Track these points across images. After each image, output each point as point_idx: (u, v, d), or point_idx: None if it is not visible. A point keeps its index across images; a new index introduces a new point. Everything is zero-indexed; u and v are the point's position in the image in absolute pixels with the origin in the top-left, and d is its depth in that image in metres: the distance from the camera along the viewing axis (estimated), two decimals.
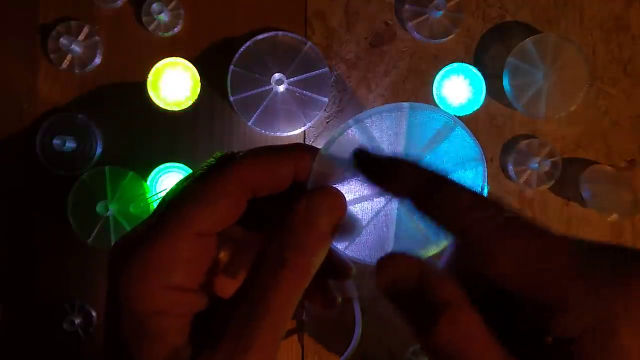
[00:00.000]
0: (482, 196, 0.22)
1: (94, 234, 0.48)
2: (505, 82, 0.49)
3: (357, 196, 0.28)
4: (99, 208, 0.47)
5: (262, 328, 0.22)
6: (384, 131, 0.28)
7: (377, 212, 0.28)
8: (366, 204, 0.28)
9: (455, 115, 0.28)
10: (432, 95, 0.49)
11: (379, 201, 0.28)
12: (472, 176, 0.28)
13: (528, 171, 0.49)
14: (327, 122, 0.50)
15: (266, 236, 0.25)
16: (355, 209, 0.28)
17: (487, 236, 0.21)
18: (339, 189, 0.26)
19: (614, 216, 0.49)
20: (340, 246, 0.29)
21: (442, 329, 0.20)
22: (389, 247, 0.28)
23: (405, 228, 0.28)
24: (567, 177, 0.50)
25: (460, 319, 0.20)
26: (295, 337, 0.49)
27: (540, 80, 0.49)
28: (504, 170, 0.50)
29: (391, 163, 0.24)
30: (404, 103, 0.28)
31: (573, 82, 0.49)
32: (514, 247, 0.21)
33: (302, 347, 0.49)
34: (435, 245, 0.28)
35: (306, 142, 0.50)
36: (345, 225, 0.27)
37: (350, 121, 0.27)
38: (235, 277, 0.28)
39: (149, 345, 0.23)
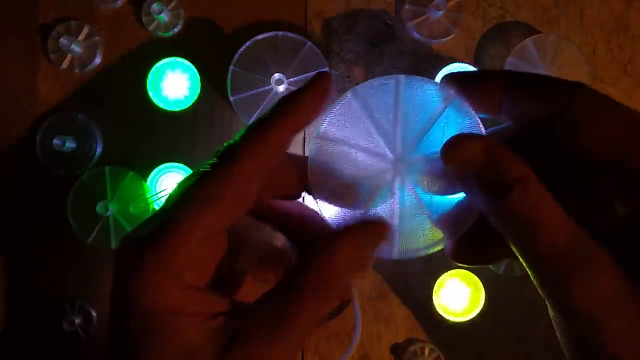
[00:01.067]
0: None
1: (94, 234, 0.48)
2: None
3: (361, 173, 0.28)
4: (99, 208, 0.47)
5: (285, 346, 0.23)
6: (376, 101, 0.28)
7: (381, 193, 0.28)
8: (368, 184, 0.28)
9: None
10: None
11: (383, 180, 0.28)
12: None
13: None
14: None
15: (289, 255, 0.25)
16: (356, 190, 0.28)
17: (589, 103, 0.23)
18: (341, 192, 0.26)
19: None
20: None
21: (514, 199, 0.22)
22: (394, 233, 0.27)
23: (410, 212, 0.27)
24: None
25: (531, 190, 0.22)
26: None
27: None
28: None
29: (482, 72, 0.26)
30: (400, 75, 0.28)
31: None
32: (608, 117, 0.22)
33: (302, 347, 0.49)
34: (441, 228, 0.27)
35: (306, 142, 0.50)
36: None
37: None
38: (247, 272, 0.27)
39: (163, 345, 0.23)
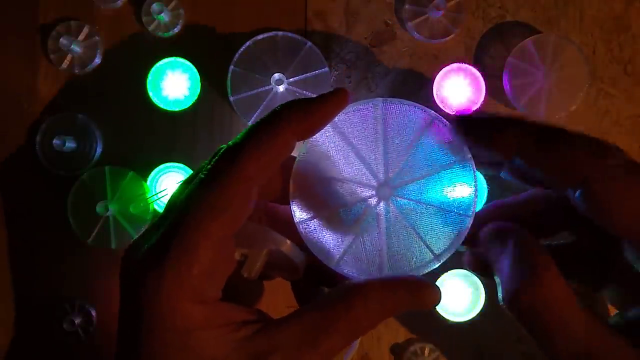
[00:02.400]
0: (600, 140, 0.22)
1: (94, 234, 0.48)
2: (505, 82, 0.49)
3: (344, 201, 0.27)
4: (99, 208, 0.47)
5: None
6: (356, 127, 0.27)
7: (367, 219, 0.27)
8: (353, 210, 0.27)
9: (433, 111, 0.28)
10: (432, 95, 0.49)
11: (367, 206, 0.27)
12: (461, 174, 0.27)
13: None
14: None
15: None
16: (342, 216, 0.27)
17: (611, 183, 0.21)
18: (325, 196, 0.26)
19: None
20: (331, 261, 0.27)
21: (529, 295, 0.21)
22: (383, 258, 0.27)
23: (397, 236, 0.27)
24: None
25: (546, 286, 0.21)
26: None
27: (540, 80, 0.49)
28: None
29: (494, 121, 0.24)
30: (377, 98, 0.27)
31: (573, 82, 0.49)
32: (636, 199, 0.21)
33: None
34: (430, 250, 0.27)
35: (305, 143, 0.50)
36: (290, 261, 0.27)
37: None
38: (253, 275, 0.27)
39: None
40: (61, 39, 0.48)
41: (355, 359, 0.48)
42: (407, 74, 0.51)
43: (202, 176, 0.25)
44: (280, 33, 0.49)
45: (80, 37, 0.50)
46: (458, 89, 0.49)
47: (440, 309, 0.47)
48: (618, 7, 0.51)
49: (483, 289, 0.47)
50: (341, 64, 0.51)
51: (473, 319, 0.47)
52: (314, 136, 0.27)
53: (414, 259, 0.27)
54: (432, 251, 0.27)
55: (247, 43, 0.49)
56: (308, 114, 0.25)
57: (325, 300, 0.25)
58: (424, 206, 0.27)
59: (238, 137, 0.25)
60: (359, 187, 0.27)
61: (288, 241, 0.27)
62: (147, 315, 0.23)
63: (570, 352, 0.21)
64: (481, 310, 0.47)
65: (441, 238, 0.27)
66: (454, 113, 0.49)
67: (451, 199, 0.27)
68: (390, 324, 0.49)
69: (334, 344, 0.24)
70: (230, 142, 0.25)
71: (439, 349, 0.48)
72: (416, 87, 0.50)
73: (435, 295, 0.25)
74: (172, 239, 0.23)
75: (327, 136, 0.28)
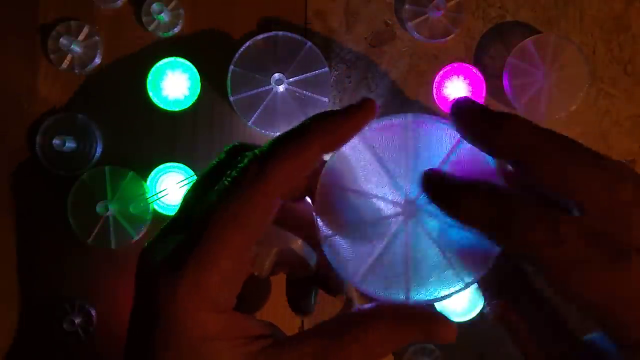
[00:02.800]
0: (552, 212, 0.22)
1: (94, 234, 0.48)
2: (505, 82, 0.49)
3: (370, 217, 0.26)
4: (99, 208, 0.47)
5: None
6: (385, 141, 0.26)
7: (393, 237, 0.26)
8: (379, 227, 0.26)
9: None
10: (432, 95, 0.49)
11: (393, 223, 0.26)
12: None
13: None
14: None
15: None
16: (367, 233, 0.26)
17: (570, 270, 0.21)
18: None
19: None
20: (354, 279, 0.26)
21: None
22: (409, 278, 0.26)
23: (423, 256, 0.26)
24: None
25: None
26: None
27: (540, 80, 0.49)
28: None
29: (496, 115, 0.23)
30: (408, 114, 0.26)
31: (573, 82, 0.49)
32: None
33: None
34: (456, 272, 0.26)
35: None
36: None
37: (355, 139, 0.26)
38: (264, 274, 0.27)
39: None
40: (61, 39, 0.48)
41: None
42: (407, 74, 0.51)
43: (227, 184, 0.24)
44: (280, 33, 0.49)
45: (80, 37, 0.50)
46: (458, 89, 0.49)
47: (441, 309, 0.47)
48: (618, 7, 0.51)
49: None
50: (341, 64, 0.51)
51: (473, 319, 0.47)
52: (342, 148, 0.26)
53: (441, 282, 0.26)
54: (458, 273, 0.26)
55: (247, 43, 0.49)
56: (336, 126, 0.25)
57: (339, 323, 0.25)
58: (453, 227, 0.26)
59: (265, 146, 0.25)
60: (386, 204, 0.26)
61: (299, 240, 0.27)
62: (162, 320, 0.23)
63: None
64: (481, 311, 0.47)
65: (469, 260, 0.25)
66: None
67: None
68: None
69: None
70: (257, 151, 0.25)
71: (439, 349, 0.47)
72: (416, 87, 0.50)
73: (452, 334, 0.25)
74: (194, 246, 0.23)
75: (355, 149, 0.27)
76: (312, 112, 0.49)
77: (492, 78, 0.50)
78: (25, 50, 0.51)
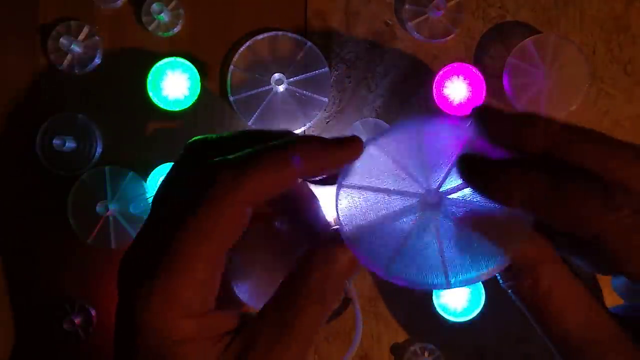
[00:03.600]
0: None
1: (94, 234, 0.48)
2: (505, 82, 0.49)
3: (396, 210, 0.27)
4: (99, 208, 0.47)
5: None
6: (398, 144, 0.27)
7: (418, 228, 0.27)
8: (403, 221, 0.27)
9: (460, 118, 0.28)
10: (432, 95, 0.49)
11: (418, 214, 0.27)
12: None
13: None
14: (327, 122, 0.50)
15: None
16: (391, 227, 0.27)
17: (625, 239, 0.21)
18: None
19: None
20: (380, 272, 0.26)
21: (526, 285, 0.23)
22: (438, 269, 0.26)
23: (453, 243, 0.26)
24: None
25: (544, 277, 0.22)
26: None
27: (540, 80, 0.49)
28: None
29: (524, 113, 0.23)
30: (415, 118, 0.27)
31: (573, 82, 0.49)
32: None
33: None
34: (490, 261, 0.26)
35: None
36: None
37: (369, 143, 0.27)
38: (246, 280, 0.28)
39: None
40: (61, 39, 0.48)
41: (355, 359, 0.48)
42: (407, 74, 0.51)
43: (196, 190, 0.24)
44: (280, 33, 0.49)
45: (80, 37, 0.50)
46: (458, 89, 0.49)
47: (440, 309, 0.47)
48: (618, 7, 0.51)
49: (483, 289, 0.47)
50: (341, 64, 0.51)
51: (473, 319, 0.47)
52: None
53: (475, 264, 0.26)
54: (487, 255, 0.26)
55: (247, 43, 0.49)
56: (321, 156, 0.25)
57: (291, 284, 0.25)
58: (477, 211, 0.26)
59: (241, 154, 0.24)
60: (407, 197, 0.27)
61: (288, 227, 0.27)
62: (138, 327, 0.24)
63: (567, 335, 0.21)
64: (481, 310, 0.47)
65: (499, 238, 0.26)
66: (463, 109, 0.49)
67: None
68: (390, 324, 0.49)
69: (310, 324, 0.24)
70: (230, 157, 0.24)
71: (439, 349, 0.47)
72: (416, 87, 0.50)
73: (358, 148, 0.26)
74: (164, 255, 0.24)
75: (369, 154, 0.28)
76: (312, 112, 0.49)
77: (492, 78, 0.50)
78: (25, 50, 0.51)
